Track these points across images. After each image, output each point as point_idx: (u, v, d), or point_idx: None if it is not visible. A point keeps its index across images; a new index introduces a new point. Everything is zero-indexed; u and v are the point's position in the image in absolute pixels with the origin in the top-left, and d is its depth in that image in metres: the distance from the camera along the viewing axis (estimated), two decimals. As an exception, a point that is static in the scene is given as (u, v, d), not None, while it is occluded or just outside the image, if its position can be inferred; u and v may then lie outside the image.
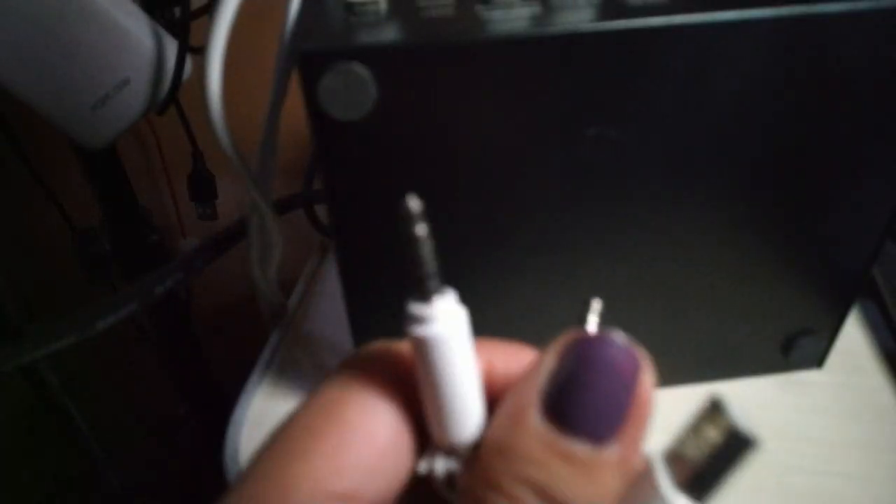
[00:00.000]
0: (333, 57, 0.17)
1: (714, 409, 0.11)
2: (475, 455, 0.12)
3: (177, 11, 0.33)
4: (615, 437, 0.11)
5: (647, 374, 0.12)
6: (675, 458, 0.11)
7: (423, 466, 0.13)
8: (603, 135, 0.19)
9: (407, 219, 0.11)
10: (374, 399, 0.12)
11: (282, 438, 0.12)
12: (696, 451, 0.11)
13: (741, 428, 0.10)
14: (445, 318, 0.11)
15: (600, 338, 0.11)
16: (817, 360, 0.26)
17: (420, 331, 0.11)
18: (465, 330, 0.12)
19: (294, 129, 0.29)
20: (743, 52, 0.18)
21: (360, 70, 0.17)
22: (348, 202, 0.20)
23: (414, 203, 0.11)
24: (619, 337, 0.11)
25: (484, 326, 0.23)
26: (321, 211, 0.34)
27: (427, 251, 0.11)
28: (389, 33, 0.17)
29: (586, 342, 0.11)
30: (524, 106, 0.18)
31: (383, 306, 0.22)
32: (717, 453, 0.10)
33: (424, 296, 0.11)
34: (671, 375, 0.26)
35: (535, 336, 0.26)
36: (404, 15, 0.18)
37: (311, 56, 0.17)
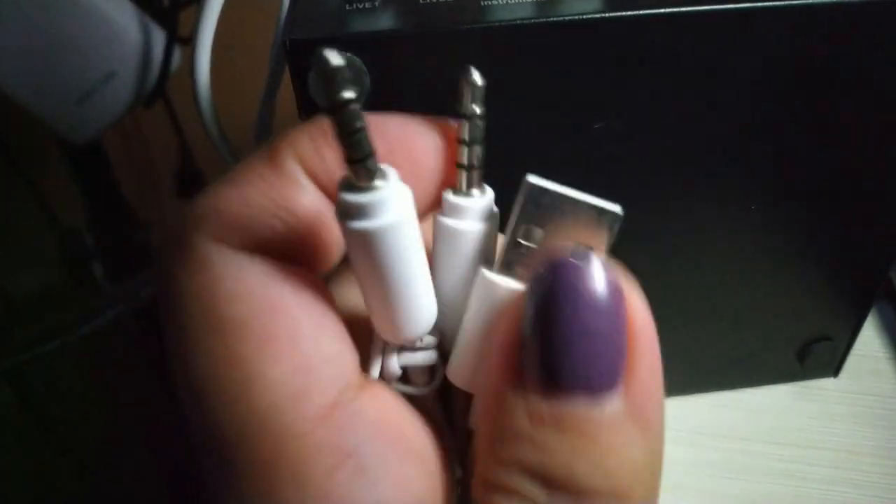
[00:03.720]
0: (325, 45, 0.16)
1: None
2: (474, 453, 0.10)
3: (165, 0, 0.32)
4: (614, 385, 0.09)
5: (636, 299, 0.10)
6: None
7: (375, 371, 0.11)
8: (609, 128, 0.18)
9: (329, 78, 0.08)
10: (300, 311, 0.10)
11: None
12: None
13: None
14: (392, 205, 0.09)
15: (569, 267, 0.09)
16: (833, 368, 0.26)
17: (363, 224, 0.09)
18: (413, 214, 0.10)
19: (290, 122, 0.28)
20: (757, 42, 0.17)
21: (353, 59, 0.16)
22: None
23: (335, 58, 0.08)
24: (592, 260, 0.09)
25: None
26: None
27: (356, 120, 0.08)
28: (384, 21, 0.17)
29: (555, 273, 0.09)
30: (525, 97, 0.18)
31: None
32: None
33: (362, 179, 0.09)
34: (686, 384, 0.26)
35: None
36: (400, 2, 0.18)
37: (301, 44, 0.16)
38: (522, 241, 0.11)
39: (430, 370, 0.12)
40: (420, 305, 0.10)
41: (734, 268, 0.22)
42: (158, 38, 0.31)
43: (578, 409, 0.09)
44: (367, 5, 0.18)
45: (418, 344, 0.11)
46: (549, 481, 0.09)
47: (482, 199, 0.11)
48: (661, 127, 0.19)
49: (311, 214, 0.10)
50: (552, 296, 0.09)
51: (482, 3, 0.17)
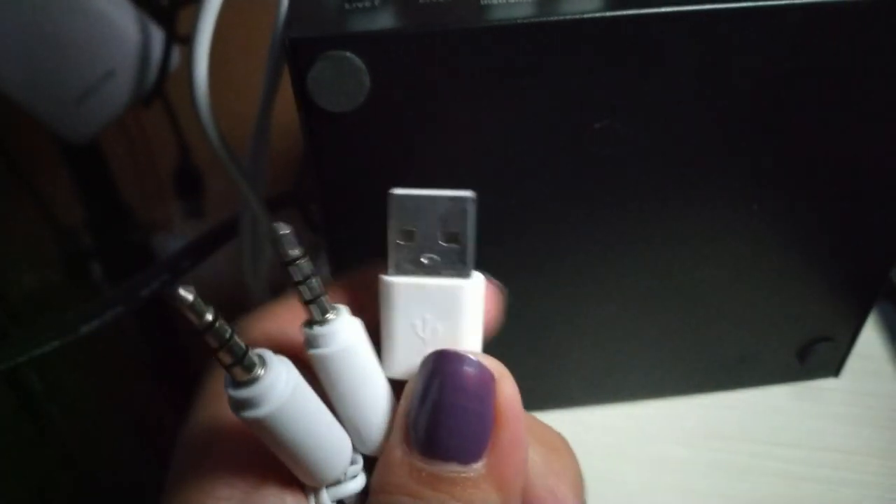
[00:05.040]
0: (324, 45, 0.16)
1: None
2: None
3: None
4: (480, 455, 0.11)
5: (506, 384, 0.12)
6: None
7: None
8: (610, 128, 0.18)
9: (276, 242, 0.11)
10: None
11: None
12: None
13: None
14: (273, 392, 0.10)
15: (449, 356, 0.12)
16: (834, 368, 0.26)
17: (251, 414, 0.10)
18: (300, 380, 0.11)
19: (288, 122, 0.28)
20: (759, 41, 0.17)
21: (352, 59, 0.16)
22: (340, 197, 0.19)
23: (282, 229, 0.11)
24: (469, 354, 0.12)
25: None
26: (315, 210, 0.34)
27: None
28: (383, 20, 0.17)
29: (437, 362, 0.12)
30: (526, 97, 0.18)
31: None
32: None
33: (320, 315, 0.12)
34: (686, 384, 0.26)
35: (540, 347, 0.25)
36: (400, 1, 0.18)
37: (299, 44, 0.16)
38: (402, 243, 0.13)
39: (363, 492, 0.13)
40: (332, 452, 0.12)
41: (735, 267, 0.22)
42: (157, 37, 0.31)
43: (449, 471, 0.11)
44: (366, 4, 0.17)
45: (343, 478, 0.12)
46: None
47: (340, 317, 0.12)
48: (662, 127, 0.18)
49: None
50: (434, 378, 0.12)
51: (482, 3, 0.17)
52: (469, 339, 0.13)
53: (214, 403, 0.13)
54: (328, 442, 0.12)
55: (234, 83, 0.33)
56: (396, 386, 0.13)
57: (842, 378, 0.26)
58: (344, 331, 0.12)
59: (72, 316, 0.29)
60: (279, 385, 0.10)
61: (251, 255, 0.27)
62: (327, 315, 0.12)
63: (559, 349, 0.24)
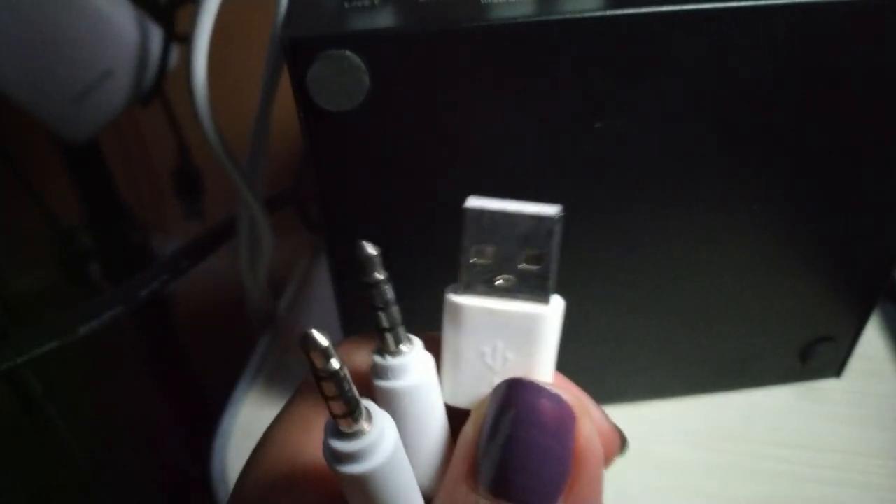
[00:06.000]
0: (323, 44, 0.16)
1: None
2: None
3: (162, -1, 0.32)
4: (556, 496, 0.10)
5: (586, 423, 0.11)
6: None
7: None
8: (609, 128, 0.18)
9: (363, 265, 0.10)
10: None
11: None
12: None
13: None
14: (382, 443, 0.10)
15: (526, 387, 0.11)
16: (836, 369, 0.26)
17: (353, 469, 0.10)
18: (398, 443, 0.10)
19: (287, 121, 0.28)
20: (759, 41, 0.17)
21: (352, 58, 0.16)
22: (339, 197, 0.19)
23: (369, 249, 0.10)
24: (548, 386, 0.11)
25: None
26: (314, 209, 0.33)
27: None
28: (383, 19, 0.17)
29: (511, 392, 0.11)
30: (526, 96, 0.17)
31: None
32: None
33: (392, 346, 0.11)
34: (688, 385, 0.26)
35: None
36: (400, 0, 0.17)
37: (299, 43, 0.16)
38: (477, 261, 0.12)
39: None
40: None
41: (736, 268, 0.22)
42: (156, 36, 0.31)
43: None
44: (365, 3, 0.17)
45: None
46: None
47: (414, 351, 0.11)
48: (662, 126, 0.18)
49: None
50: (507, 410, 0.11)
51: (482, 2, 0.17)
52: (543, 370, 0.12)
53: (301, 437, 0.12)
54: (416, 498, 0.11)
55: (233, 82, 0.33)
56: (451, 413, 0.12)
57: (843, 378, 0.26)
58: (417, 365, 0.11)
59: (71, 316, 0.29)
60: (384, 442, 0.10)
61: (249, 255, 0.27)
62: (401, 346, 0.11)
63: (559, 349, 0.23)
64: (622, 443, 0.13)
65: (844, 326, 0.24)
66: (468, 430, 0.11)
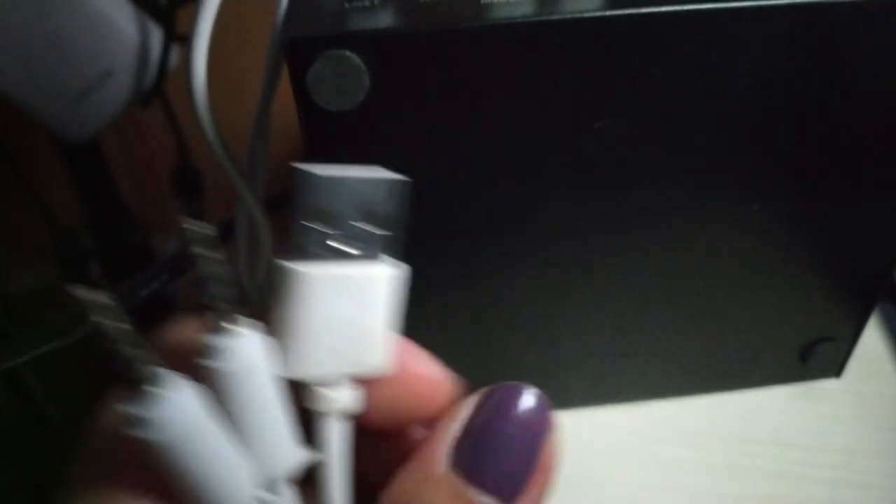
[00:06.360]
0: (323, 44, 0.16)
1: None
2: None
3: (162, -2, 0.32)
4: (519, 495, 0.11)
5: (557, 435, 0.12)
6: None
7: None
8: (609, 128, 0.18)
9: (186, 236, 0.10)
10: None
11: None
12: None
13: None
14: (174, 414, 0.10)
15: (517, 388, 0.12)
16: (836, 369, 0.26)
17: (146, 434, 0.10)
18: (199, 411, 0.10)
19: (287, 121, 0.28)
20: (760, 41, 0.17)
21: (352, 58, 0.16)
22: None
23: (188, 223, 0.10)
24: (534, 391, 0.12)
25: (485, 339, 0.22)
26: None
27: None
28: (383, 19, 0.17)
29: (503, 392, 0.12)
30: (526, 96, 0.17)
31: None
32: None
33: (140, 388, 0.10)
34: (687, 385, 0.25)
35: (540, 347, 0.25)
36: (400, 0, 0.17)
37: (298, 43, 0.16)
38: (312, 226, 0.11)
39: None
40: (227, 485, 0.11)
41: (736, 268, 0.22)
42: (156, 36, 0.30)
43: (487, 501, 0.11)
44: (366, 3, 0.17)
45: None
46: None
47: (242, 329, 0.11)
48: (662, 127, 0.18)
49: None
50: (496, 406, 0.12)
51: (482, 2, 0.17)
52: (384, 332, 0.12)
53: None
54: (225, 473, 0.11)
55: (233, 82, 0.33)
56: (297, 387, 0.12)
57: (843, 379, 0.26)
58: (244, 345, 0.11)
59: (70, 316, 0.29)
60: (179, 410, 0.10)
61: (247, 255, 0.27)
62: (229, 325, 0.11)
63: (560, 349, 0.24)
64: (457, 389, 0.14)
65: (845, 327, 0.24)
66: (457, 413, 0.12)
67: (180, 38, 0.31)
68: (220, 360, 0.11)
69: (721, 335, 0.24)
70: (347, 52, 0.16)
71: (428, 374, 0.13)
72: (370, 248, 0.12)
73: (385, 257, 0.12)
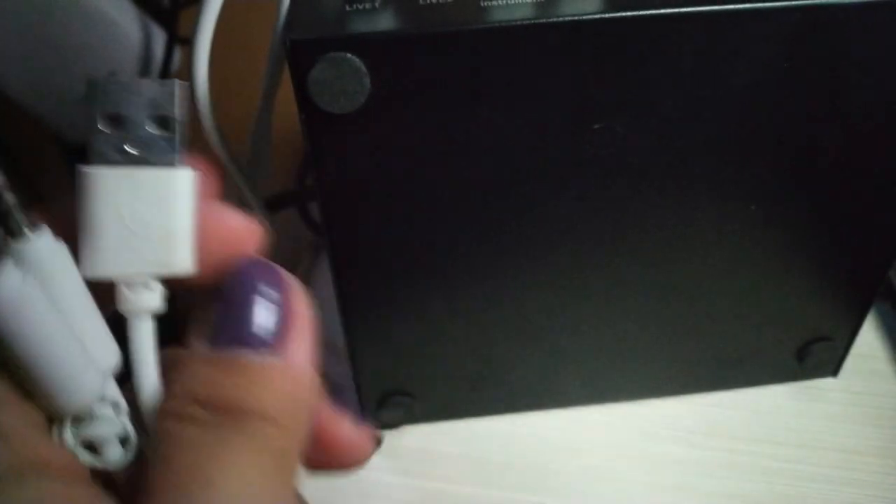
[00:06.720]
0: (324, 46, 0.16)
1: None
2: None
3: (165, 1, 0.32)
4: (273, 344, 0.12)
5: (298, 290, 0.13)
6: None
7: (56, 440, 0.12)
8: (609, 128, 0.18)
9: None
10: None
11: None
12: None
13: None
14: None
15: (257, 263, 0.13)
16: (833, 368, 0.26)
17: None
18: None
19: (288, 122, 0.28)
20: (758, 43, 0.17)
21: (353, 60, 0.16)
22: (340, 198, 0.19)
23: None
24: (262, 259, 0.13)
25: (485, 338, 0.22)
26: (315, 210, 0.34)
27: None
28: (384, 21, 0.17)
29: (247, 265, 0.13)
30: (526, 98, 0.18)
31: (379, 309, 0.22)
32: None
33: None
34: (685, 384, 0.26)
35: (540, 347, 0.25)
36: (401, 3, 0.18)
37: (300, 45, 0.16)
38: (105, 130, 0.12)
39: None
40: (70, 367, 0.11)
41: (733, 267, 0.22)
42: (159, 38, 0.31)
43: (243, 359, 0.12)
44: (366, 6, 0.17)
45: (92, 415, 0.12)
46: (216, 408, 0.11)
47: (40, 236, 0.11)
48: (661, 127, 0.18)
49: None
50: (241, 279, 0.13)
51: (482, 4, 0.17)
52: (182, 232, 0.13)
53: None
54: (66, 352, 0.11)
55: (234, 84, 0.33)
56: (97, 289, 0.12)
57: (840, 378, 0.26)
58: (45, 251, 0.11)
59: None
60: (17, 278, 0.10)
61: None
62: (23, 233, 0.11)
63: (560, 349, 0.24)
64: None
65: (841, 326, 0.24)
66: (201, 305, 0.13)
67: (183, 40, 0.31)
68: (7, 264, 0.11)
69: (718, 335, 0.24)
70: (348, 55, 0.16)
71: (235, 224, 0.14)
72: (165, 152, 0.12)
73: (179, 159, 0.13)
